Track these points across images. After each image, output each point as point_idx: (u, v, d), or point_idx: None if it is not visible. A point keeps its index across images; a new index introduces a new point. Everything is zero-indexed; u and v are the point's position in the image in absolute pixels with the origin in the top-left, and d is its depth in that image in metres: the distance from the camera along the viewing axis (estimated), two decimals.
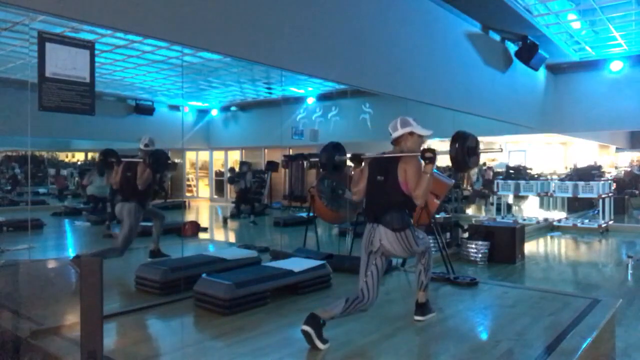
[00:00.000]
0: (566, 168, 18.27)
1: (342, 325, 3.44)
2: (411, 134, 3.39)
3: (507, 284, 5.18)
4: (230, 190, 13.58)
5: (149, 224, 5.86)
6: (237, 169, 12.03)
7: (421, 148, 3.31)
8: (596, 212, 12.37)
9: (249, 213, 10.86)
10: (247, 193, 11.15)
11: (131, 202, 5.21)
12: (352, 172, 3.62)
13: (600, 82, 10.64)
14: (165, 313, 3.89)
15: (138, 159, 5.33)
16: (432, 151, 3.17)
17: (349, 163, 3.76)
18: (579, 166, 15.44)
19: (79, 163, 12.20)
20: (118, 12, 3.32)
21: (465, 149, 3.17)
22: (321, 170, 4.00)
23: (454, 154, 3.18)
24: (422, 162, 3.22)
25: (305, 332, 3.00)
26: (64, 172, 11.79)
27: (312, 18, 4.78)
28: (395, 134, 3.41)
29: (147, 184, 5.28)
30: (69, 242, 8.32)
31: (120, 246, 5.12)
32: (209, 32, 3.91)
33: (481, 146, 3.35)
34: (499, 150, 3.74)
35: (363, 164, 3.56)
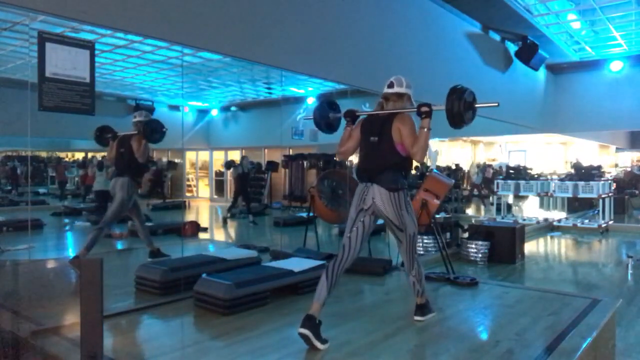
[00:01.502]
0: (566, 163, 18.27)
1: (342, 325, 3.44)
2: (408, 96, 3.38)
3: (507, 284, 5.18)
4: (229, 190, 13.58)
5: (150, 223, 5.84)
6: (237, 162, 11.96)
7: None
8: (596, 212, 12.37)
9: (246, 212, 10.82)
10: (245, 180, 10.98)
11: (125, 176, 5.20)
12: (344, 130, 3.52)
13: (600, 82, 10.65)
14: (165, 313, 3.88)
15: (133, 132, 5.29)
16: (428, 105, 3.14)
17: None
18: (579, 160, 15.43)
19: (79, 160, 12.18)
20: (118, 12, 3.32)
21: (461, 102, 3.09)
22: (316, 126, 3.83)
23: (449, 106, 3.11)
24: (419, 117, 3.16)
25: (303, 335, 2.98)
26: (64, 163, 11.78)
27: (312, 18, 4.78)
28: (399, 90, 3.35)
29: (146, 155, 5.25)
30: (69, 242, 8.32)
31: (108, 219, 5.11)
32: (209, 32, 3.91)
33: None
34: (495, 104, 3.55)
35: (356, 122, 3.48)
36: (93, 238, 5.02)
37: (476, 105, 3.23)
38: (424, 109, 3.15)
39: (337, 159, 3.76)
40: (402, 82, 3.39)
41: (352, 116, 3.50)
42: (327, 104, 3.81)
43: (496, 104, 3.29)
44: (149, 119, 5.31)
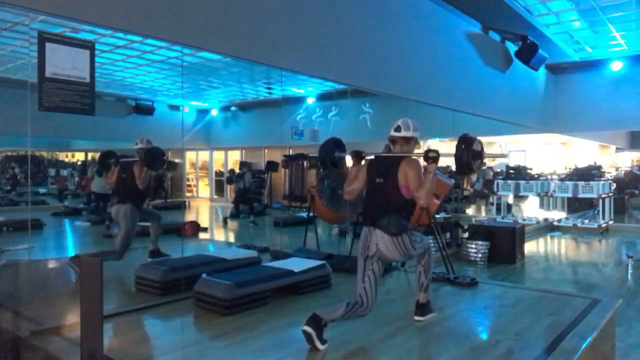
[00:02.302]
0: (566, 168, 18.27)
1: (342, 325, 3.44)
2: (415, 139, 3.45)
3: (507, 284, 5.18)
4: (230, 191, 13.58)
5: (148, 223, 5.86)
6: (237, 171, 12.02)
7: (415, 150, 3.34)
8: (596, 212, 12.37)
9: (248, 213, 10.85)
10: (246, 193, 11.11)
11: (127, 203, 5.22)
12: (350, 170, 3.59)
13: (600, 82, 10.64)
14: (165, 313, 3.88)
15: (134, 159, 5.35)
16: (436, 151, 3.20)
17: (348, 163, 3.75)
18: (579, 166, 15.43)
19: (79, 163, 12.19)
20: (118, 12, 3.32)
21: (470, 153, 3.18)
22: (320, 167, 3.99)
23: (459, 156, 3.19)
24: (425, 162, 3.22)
25: (306, 333, 3.00)
26: (64, 172, 11.79)
27: (312, 18, 4.78)
28: (406, 134, 3.39)
29: (147, 182, 5.29)
30: (69, 242, 8.32)
31: (118, 249, 5.13)
32: (209, 32, 3.91)
33: (485, 150, 3.36)
34: (504, 156, 3.72)
35: (362, 162, 3.54)
36: (103, 254, 5.03)
37: (485, 155, 3.34)
38: (432, 154, 3.21)
39: (345, 198, 3.80)
40: (409, 125, 3.42)
41: (357, 156, 3.56)
42: (333, 142, 3.87)
43: (506, 155, 3.42)
44: (150, 146, 5.36)
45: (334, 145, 3.88)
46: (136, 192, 5.28)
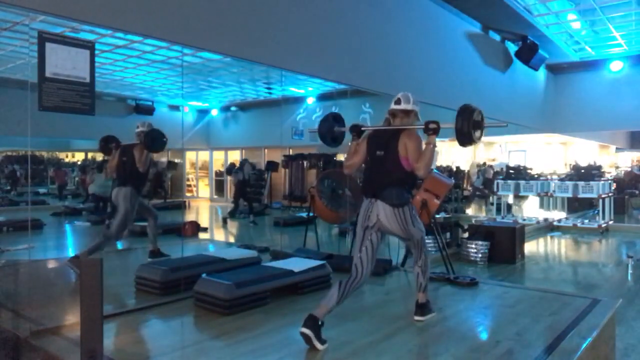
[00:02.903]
0: (566, 165, 18.28)
1: (342, 325, 3.44)
2: (415, 113, 3.44)
3: (507, 284, 5.18)
4: (229, 189, 13.58)
5: (146, 223, 5.86)
6: (237, 165, 11.99)
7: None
8: (596, 212, 12.37)
9: (248, 213, 10.84)
10: (245, 185, 11.02)
11: (127, 186, 5.22)
12: (350, 144, 3.56)
13: (600, 82, 10.65)
14: (165, 313, 3.88)
15: (135, 142, 5.35)
16: (436, 122, 3.19)
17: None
18: (579, 163, 15.43)
19: (79, 163, 12.19)
20: (118, 12, 3.32)
21: (470, 123, 3.15)
22: (321, 141, 3.89)
23: (459, 126, 3.16)
24: (426, 133, 3.22)
25: (304, 335, 2.99)
26: (64, 168, 11.78)
27: (312, 18, 4.78)
28: (406, 107, 3.39)
29: (147, 165, 5.30)
30: (69, 242, 8.32)
31: (114, 232, 5.12)
32: (209, 32, 3.92)
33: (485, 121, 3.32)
34: (504, 125, 3.62)
35: (362, 137, 3.52)
36: (98, 245, 5.05)
37: (485, 125, 3.30)
38: (432, 125, 3.20)
39: (345, 173, 3.78)
40: (409, 98, 3.43)
41: (357, 130, 3.54)
42: (332, 117, 3.85)
43: (505, 125, 3.39)
44: (151, 128, 5.35)
45: (334, 120, 3.83)
46: (136, 175, 5.28)
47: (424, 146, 3.25)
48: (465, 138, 3.19)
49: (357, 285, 3.23)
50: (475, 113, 3.19)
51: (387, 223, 3.26)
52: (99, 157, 9.21)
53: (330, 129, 3.80)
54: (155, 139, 5.28)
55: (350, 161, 3.50)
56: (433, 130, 3.19)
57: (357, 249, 3.31)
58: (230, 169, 11.61)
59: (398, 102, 3.42)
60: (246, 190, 11.08)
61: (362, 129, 3.54)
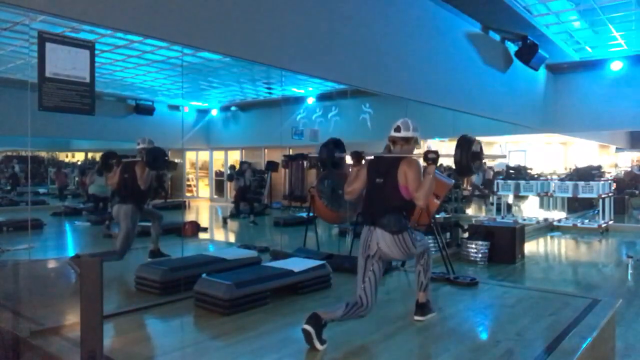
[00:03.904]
0: (566, 169, 18.27)
1: (342, 325, 3.44)
2: (415, 139, 3.45)
3: (507, 284, 5.18)
4: (230, 190, 13.58)
5: (148, 223, 5.86)
6: (237, 167, 12.01)
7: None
8: (596, 212, 12.37)
9: (249, 213, 10.85)
10: (246, 191, 11.08)
11: (128, 204, 5.22)
12: (350, 170, 3.60)
13: (600, 82, 10.64)
14: (165, 313, 3.89)
15: (136, 159, 5.35)
16: (435, 152, 3.20)
17: (348, 161, 3.75)
18: (579, 166, 15.43)
19: (79, 163, 12.19)
20: (118, 12, 3.32)
21: (469, 155, 3.19)
22: (320, 167, 4.02)
23: (458, 158, 3.20)
24: (425, 162, 3.23)
25: (305, 331, 3.00)
26: (65, 170, 11.79)
27: (312, 18, 4.78)
28: (406, 134, 3.40)
29: (149, 183, 5.30)
30: (69, 242, 8.32)
31: (119, 250, 5.13)
32: (209, 32, 3.91)
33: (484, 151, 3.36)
34: (504, 157, 3.73)
35: (362, 162, 3.55)
36: (104, 255, 5.04)
37: (483, 156, 3.34)
38: (431, 155, 3.21)
39: (345, 199, 3.82)
40: (408, 126, 3.44)
41: (357, 157, 3.56)
42: (333, 143, 3.89)
43: (504, 156, 3.41)
44: (152, 146, 5.36)
45: (334, 146, 3.91)
46: (138, 193, 5.28)
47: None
48: (465, 169, 3.24)
49: (361, 314, 3.25)
50: (474, 144, 3.23)
51: (388, 250, 3.28)
52: (99, 156, 9.21)
53: (331, 154, 3.85)
54: (156, 158, 5.29)
55: (351, 187, 3.52)
56: (432, 160, 3.20)
57: (360, 279, 3.32)
58: (232, 175, 11.64)
59: (398, 129, 3.43)
60: (247, 195, 11.16)
61: (363, 155, 3.57)
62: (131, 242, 5.29)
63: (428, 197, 3.29)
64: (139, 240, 5.80)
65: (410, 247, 3.33)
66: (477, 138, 3.31)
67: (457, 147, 3.22)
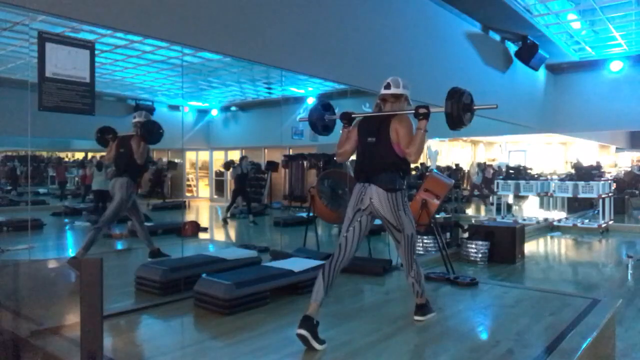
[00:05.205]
0: (567, 162, 18.28)
1: (342, 325, 3.44)
2: (405, 97, 3.40)
3: (507, 284, 5.18)
4: (230, 190, 13.57)
5: (150, 223, 5.85)
6: (236, 161, 11.94)
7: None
8: (596, 212, 12.37)
9: (247, 212, 10.82)
10: (244, 180, 10.97)
11: (124, 176, 5.24)
12: (341, 132, 3.52)
13: (600, 82, 10.65)
14: (165, 313, 3.88)
15: (132, 133, 5.34)
16: (426, 107, 3.17)
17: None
18: (580, 160, 15.43)
19: (79, 161, 12.20)
20: (118, 12, 3.32)
21: (460, 106, 3.12)
22: (311, 129, 3.90)
23: (449, 110, 3.14)
24: (416, 118, 3.20)
25: (301, 336, 2.97)
26: (65, 164, 11.79)
27: (312, 18, 4.78)
28: (396, 91, 3.36)
29: (145, 157, 5.30)
30: (69, 242, 8.32)
31: (105, 219, 5.14)
32: (209, 32, 3.92)
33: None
34: (494, 107, 3.56)
35: (353, 124, 3.49)
36: (91, 238, 5.04)
37: (474, 107, 3.25)
38: (422, 110, 3.18)
39: (337, 161, 3.76)
40: (398, 82, 3.40)
41: (347, 118, 3.50)
42: (322, 106, 3.82)
43: (495, 106, 3.31)
44: (147, 119, 5.34)
45: (323, 109, 3.81)
46: (134, 166, 5.30)
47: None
48: (456, 121, 3.15)
49: (340, 266, 3.20)
50: (464, 95, 3.15)
51: (380, 207, 3.21)
52: (99, 155, 9.21)
53: (321, 117, 3.77)
54: (151, 132, 5.27)
55: (342, 149, 3.46)
56: (423, 115, 3.16)
57: (344, 228, 3.27)
58: (229, 163, 11.60)
59: (388, 86, 3.39)
60: (245, 185, 11.00)
61: (353, 116, 3.50)
62: (120, 213, 5.26)
63: (420, 153, 3.24)
64: (139, 240, 5.80)
65: (401, 209, 3.25)
66: (471, 93, 3.22)
67: (447, 98, 3.15)
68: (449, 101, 3.14)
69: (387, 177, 3.21)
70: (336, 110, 3.91)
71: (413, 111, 3.25)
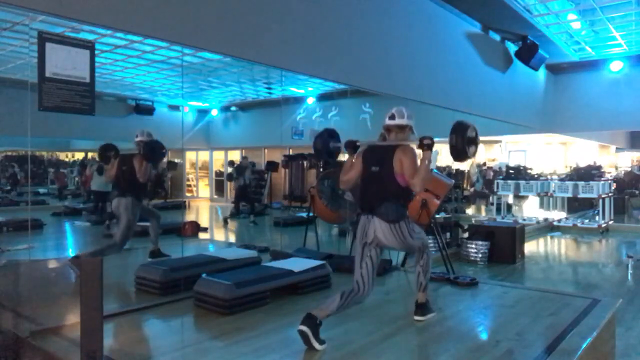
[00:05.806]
0: (566, 167, 18.27)
1: (342, 325, 3.44)
2: (410, 127, 3.44)
3: (507, 284, 5.18)
4: (230, 190, 13.59)
5: (147, 223, 5.85)
6: (237, 162, 11.97)
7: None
8: (596, 212, 12.37)
9: (249, 213, 10.85)
10: (246, 190, 11.07)
11: (127, 196, 5.21)
12: (346, 159, 3.58)
13: (600, 82, 10.64)
14: (165, 313, 3.89)
15: (134, 152, 5.34)
16: (430, 138, 3.21)
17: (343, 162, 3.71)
18: (580, 165, 15.42)
19: (79, 161, 12.19)
20: (118, 12, 3.32)
21: (465, 139, 3.17)
22: (316, 158, 4.00)
23: (454, 143, 3.18)
24: (420, 149, 3.23)
25: (302, 332, 2.99)
26: (64, 170, 11.79)
27: (312, 18, 4.78)
28: (400, 122, 3.40)
29: (147, 175, 5.29)
30: (69, 242, 8.32)
31: (118, 242, 5.12)
32: (209, 32, 3.91)
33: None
34: (499, 142, 3.67)
35: (357, 152, 3.54)
36: (102, 250, 5.05)
37: (479, 141, 3.32)
38: (426, 141, 3.22)
39: (341, 188, 3.84)
40: (403, 113, 3.44)
41: (352, 146, 3.58)
42: (328, 133, 3.89)
43: (499, 142, 3.38)
44: (150, 139, 5.34)
45: (328, 136, 3.88)
46: (137, 185, 5.27)
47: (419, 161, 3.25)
48: (460, 154, 3.21)
49: (358, 300, 3.26)
50: (469, 129, 3.20)
51: (385, 239, 3.28)
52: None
53: (326, 144, 3.85)
54: (154, 151, 5.28)
55: (347, 176, 3.52)
56: (427, 146, 3.21)
57: (358, 265, 3.33)
58: (231, 175, 11.64)
59: (392, 117, 3.43)
60: (247, 193, 11.14)
61: (357, 144, 3.57)
62: (130, 235, 5.27)
63: (424, 184, 3.29)
64: (139, 240, 5.81)
65: (407, 237, 3.31)
66: (476, 127, 3.27)
67: (452, 132, 3.19)
68: (454, 134, 3.19)
69: (389, 209, 3.25)
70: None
71: (417, 141, 3.29)
